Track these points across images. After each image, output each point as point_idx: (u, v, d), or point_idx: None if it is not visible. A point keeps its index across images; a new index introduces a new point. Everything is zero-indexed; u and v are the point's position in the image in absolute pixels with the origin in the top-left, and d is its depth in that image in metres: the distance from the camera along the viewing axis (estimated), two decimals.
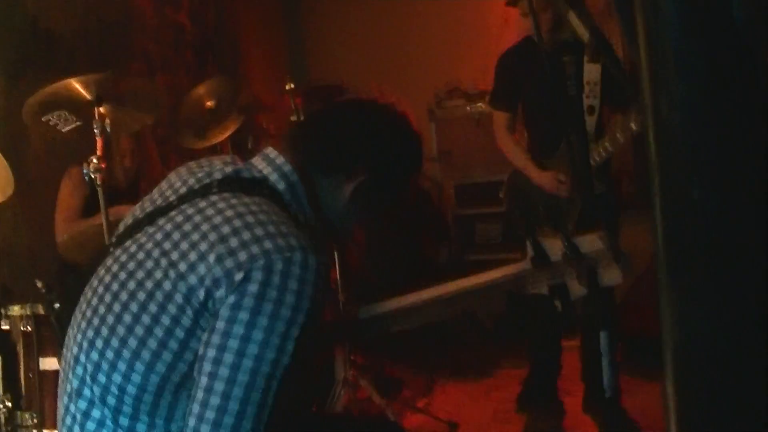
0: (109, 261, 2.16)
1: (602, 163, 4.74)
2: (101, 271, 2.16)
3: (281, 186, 2.22)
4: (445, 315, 2.47)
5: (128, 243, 2.15)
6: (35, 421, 4.18)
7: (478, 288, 2.35)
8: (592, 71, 4.77)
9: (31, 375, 4.23)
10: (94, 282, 2.16)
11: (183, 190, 2.22)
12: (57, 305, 4.12)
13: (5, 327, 4.30)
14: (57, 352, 4.12)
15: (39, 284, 4.25)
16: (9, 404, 4.23)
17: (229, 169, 2.23)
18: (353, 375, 5.00)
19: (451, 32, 7.82)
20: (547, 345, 5.38)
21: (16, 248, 5.16)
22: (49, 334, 4.22)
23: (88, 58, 5.83)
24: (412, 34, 8.21)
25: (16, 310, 4.27)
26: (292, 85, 5.32)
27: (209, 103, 5.60)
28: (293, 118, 5.28)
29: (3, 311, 4.32)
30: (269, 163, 2.26)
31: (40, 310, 4.22)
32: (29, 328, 4.22)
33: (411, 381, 6.06)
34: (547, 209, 5.05)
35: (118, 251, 2.16)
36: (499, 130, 5.25)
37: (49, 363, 4.21)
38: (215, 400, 1.86)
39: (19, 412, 4.24)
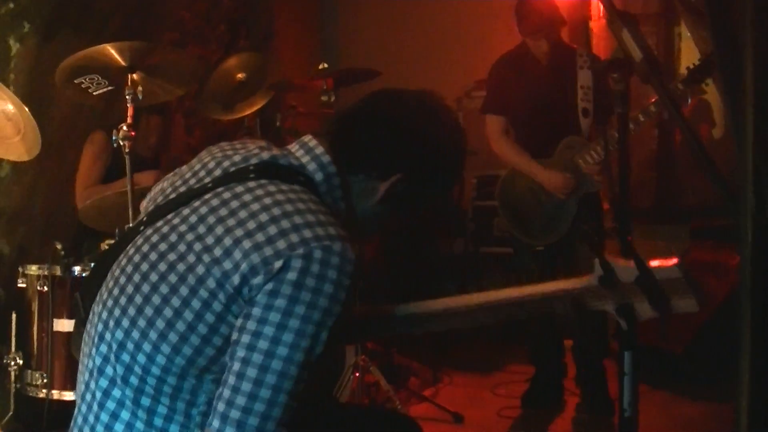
0: (139, 240, 2.13)
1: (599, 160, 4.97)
2: (131, 250, 2.13)
3: (318, 177, 2.17)
4: (494, 320, 2.43)
5: (160, 223, 2.12)
6: (45, 380, 4.22)
7: (541, 297, 2.29)
8: (585, 76, 4.90)
9: (44, 335, 4.26)
10: (123, 260, 2.13)
11: (218, 172, 2.18)
12: (76, 268, 4.18)
13: (22, 285, 4.33)
14: (70, 313, 4.16)
15: (58, 246, 4.28)
16: (20, 361, 4.26)
17: (265, 155, 2.19)
18: (363, 360, 5.00)
19: (485, 23, 7.75)
20: (547, 348, 5.40)
21: (35, 209, 5.17)
22: (64, 296, 4.25)
23: (121, 24, 5.81)
24: (446, 22, 8.16)
25: (33, 269, 4.31)
26: (325, 65, 5.31)
27: (239, 76, 5.60)
28: (324, 98, 5.28)
29: (21, 270, 4.34)
30: (308, 151, 2.21)
31: (58, 272, 4.25)
32: (45, 289, 4.25)
33: (419, 370, 6.06)
34: (540, 213, 5.20)
35: (149, 231, 2.12)
36: (495, 134, 5.35)
37: (61, 324, 4.23)
38: (247, 387, 1.85)
39: (29, 371, 4.27)
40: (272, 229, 1.92)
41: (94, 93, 4.23)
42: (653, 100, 4.70)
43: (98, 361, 2.05)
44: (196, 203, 2.09)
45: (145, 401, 1.98)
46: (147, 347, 1.96)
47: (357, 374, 4.98)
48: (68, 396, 4.18)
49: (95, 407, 2.04)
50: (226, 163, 2.20)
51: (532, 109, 5.22)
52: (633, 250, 2.13)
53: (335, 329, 1.91)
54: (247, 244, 1.92)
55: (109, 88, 4.22)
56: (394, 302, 2.49)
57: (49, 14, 5.15)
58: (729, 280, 5.72)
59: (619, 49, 2.15)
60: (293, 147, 2.25)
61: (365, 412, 3.36)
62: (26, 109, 3.95)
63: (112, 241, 4.25)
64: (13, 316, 4.31)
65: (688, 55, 7.64)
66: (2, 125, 4.02)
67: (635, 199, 7.33)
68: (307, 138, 2.26)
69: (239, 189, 2.06)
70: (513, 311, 2.33)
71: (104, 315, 2.08)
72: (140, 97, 4.12)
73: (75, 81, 4.17)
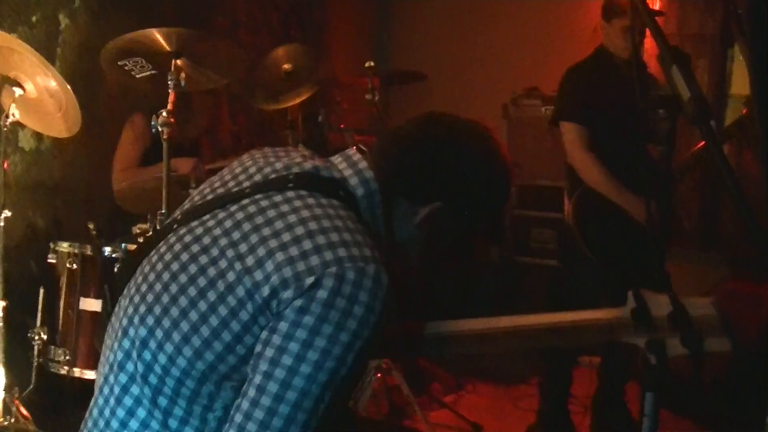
0: (172, 239, 2.11)
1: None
2: (162, 248, 2.11)
3: (360, 192, 2.14)
4: (520, 347, 2.40)
5: (194, 224, 2.09)
6: (68, 358, 4.23)
7: (566, 327, 2.25)
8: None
9: (70, 312, 4.27)
10: (154, 257, 2.11)
11: (258, 177, 2.16)
12: (107, 249, 4.18)
13: (52, 261, 4.34)
14: (98, 293, 4.18)
15: (91, 226, 4.29)
16: (44, 337, 4.27)
17: (308, 165, 2.16)
18: (386, 363, 4.97)
19: (539, 33, 7.73)
20: (560, 375, 5.25)
21: (73, 183, 5.18)
22: (93, 275, 4.26)
23: (174, 6, 5.84)
24: (498, 29, 8.12)
25: (64, 246, 4.31)
26: (372, 64, 5.27)
27: (286, 66, 5.57)
28: (368, 96, 5.25)
29: (52, 245, 4.35)
30: (351, 165, 2.18)
31: (88, 251, 4.25)
32: (75, 267, 4.25)
33: (442, 376, 6.03)
34: (627, 237, 4.69)
35: (183, 230, 2.10)
36: (576, 145, 4.87)
37: (89, 303, 4.24)
38: (266, 401, 1.83)
39: (53, 347, 4.28)
40: (307, 244, 1.89)
41: (137, 76, 4.21)
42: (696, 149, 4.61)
43: (120, 356, 2.04)
44: (233, 208, 2.06)
45: (163, 401, 1.97)
46: (169, 348, 1.94)
47: (379, 375, 4.96)
48: (90, 375, 4.19)
49: (112, 402, 2.03)
50: (267, 170, 2.17)
51: (611, 122, 4.75)
52: (668, 284, 2.08)
53: (363, 353, 1.88)
54: (280, 256, 1.89)
55: (152, 72, 4.20)
56: (425, 302, 2.45)
57: None
58: (766, 312, 5.62)
59: (667, 86, 2.09)
60: (336, 159, 2.23)
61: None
62: (68, 86, 3.97)
63: (145, 226, 4.26)
64: (41, 291, 4.32)
65: (739, 77, 7.62)
66: (45, 101, 4.05)
67: (675, 221, 7.25)
68: (351, 151, 2.24)
69: (278, 198, 2.03)
70: (543, 339, 2.29)
71: (130, 310, 2.06)
72: (183, 84, 4.10)
73: (118, 63, 4.16)
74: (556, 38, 7.46)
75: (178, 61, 4.15)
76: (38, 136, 4.85)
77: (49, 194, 5.03)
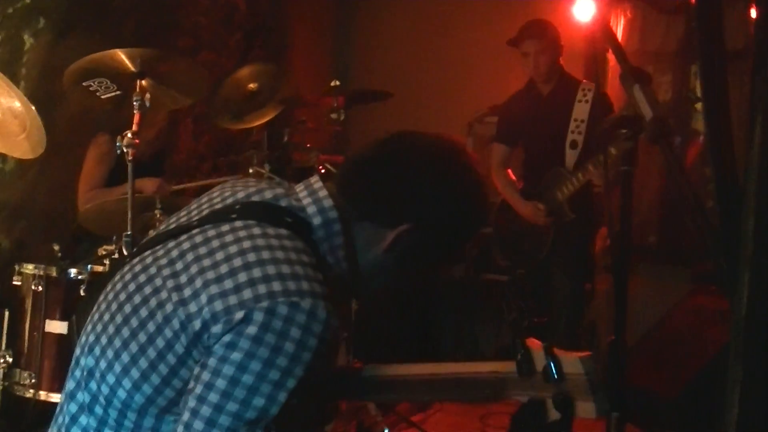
0: (126, 268, 2.07)
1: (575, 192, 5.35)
2: (116, 277, 2.08)
3: (317, 221, 2.04)
4: (437, 397, 2.31)
5: (147, 254, 2.05)
6: (33, 381, 4.19)
7: (464, 377, 2.18)
8: (582, 109, 5.37)
9: (35, 334, 4.23)
10: (109, 287, 2.08)
11: (219, 207, 2.11)
12: (72, 270, 4.16)
13: (17, 283, 4.31)
14: (63, 315, 4.16)
15: (55, 247, 4.27)
16: (9, 360, 4.23)
17: (268, 195, 2.09)
18: None
19: (504, 53, 7.75)
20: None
21: (36, 205, 5.16)
22: (58, 297, 4.24)
23: (137, 26, 5.82)
24: (463, 49, 8.09)
25: (29, 268, 4.28)
26: (338, 83, 5.30)
27: (251, 86, 5.56)
28: (333, 116, 5.29)
29: (17, 267, 4.32)
30: (311, 193, 2.09)
31: (53, 273, 4.23)
32: (40, 289, 4.23)
33: None
34: (523, 236, 5.64)
35: (136, 260, 2.06)
36: (494, 163, 5.90)
37: (53, 325, 4.21)
38: None
39: (17, 370, 4.25)
40: (242, 277, 1.83)
41: (102, 96, 4.20)
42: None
43: (72, 385, 2.03)
44: (182, 237, 2.02)
45: None
46: (111, 379, 1.91)
47: None
48: (55, 398, 4.16)
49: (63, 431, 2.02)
50: (229, 201, 2.12)
51: (528, 140, 5.78)
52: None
53: (301, 391, 1.82)
54: (214, 288, 1.83)
55: (117, 92, 4.19)
56: (388, 324, 2.41)
57: (65, 11, 5.16)
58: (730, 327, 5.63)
59: (629, 105, 2.09)
60: (298, 187, 2.14)
61: None
62: (33, 108, 3.94)
63: (111, 247, 4.24)
64: (6, 313, 4.28)
65: None
66: (8, 122, 4.01)
67: (640, 236, 7.29)
68: (313, 179, 2.15)
69: (224, 228, 1.97)
70: (454, 388, 2.23)
71: (83, 339, 2.05)
72: (148, 104, 4.09)
73: (83, 84, 4.14)
74: (519, 57, 7.49)
75: (143, 82, 4.14)
76: (2, 157, 4.82)
77: (12, 215, 5.00)
